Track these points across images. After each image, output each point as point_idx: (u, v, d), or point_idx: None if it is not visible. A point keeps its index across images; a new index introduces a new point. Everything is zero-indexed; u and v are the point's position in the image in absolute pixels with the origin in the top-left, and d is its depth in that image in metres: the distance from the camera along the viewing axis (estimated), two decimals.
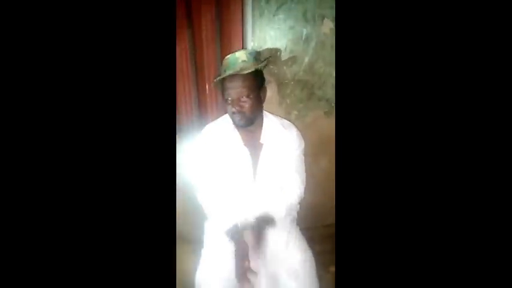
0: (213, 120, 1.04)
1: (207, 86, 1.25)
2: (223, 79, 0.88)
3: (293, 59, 1.18)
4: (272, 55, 1.10)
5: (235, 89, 0.86)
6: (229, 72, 0.85)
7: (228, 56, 0.92)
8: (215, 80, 0.90)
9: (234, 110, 0.87)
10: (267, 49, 1.14)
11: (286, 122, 1.03)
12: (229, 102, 0.88)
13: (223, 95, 0.91)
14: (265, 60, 0.95)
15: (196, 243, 1.03)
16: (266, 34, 1.13)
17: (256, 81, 0.89)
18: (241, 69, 0.85)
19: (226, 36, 1.18)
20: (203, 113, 1.30)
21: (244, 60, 0.88)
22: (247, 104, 0.87)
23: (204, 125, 1.03)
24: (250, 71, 0.85)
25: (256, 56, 0.92)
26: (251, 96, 0.87)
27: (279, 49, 1.16)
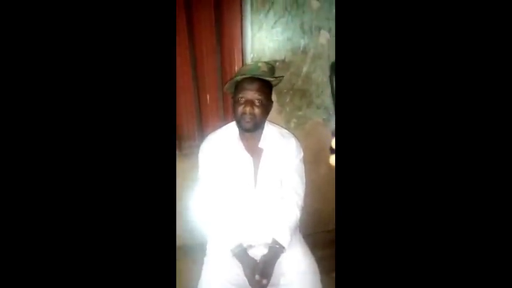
0: (213, 129, 1.06)
1: (207, 97, 1.28)
2: (239, 81, 0.93)
3: (291, 69, 1.22)
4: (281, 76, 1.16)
5: (253, 91, 0.90)
6: (251, 74, 0.92)
7: (249, 63, 1.02)
8: (234, 79, 0.95)
9: (246, 109, 0.90)
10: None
11: (285, 131, 1.06)
12: (242, 102, 0.91)
13: (235, 96, 0.95)
14: (280, 77, 1.00)
15: (197, 251, 1.05)
16: (265, 46, 1.16)
17: (269, 92, 0.96)
18: (263, 76, 0.93)
19: (226, 49, 1.21)
20: (204, 122, 1.32)
21: (265, 71, 0.95)
22: (258, 108, 0.91)
23: (205, 135, 1.06)
24: (269, 79, 0.94)
25: (273, 70, 1.00)
26: (263, 103, 0.93)
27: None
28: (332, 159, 0.37)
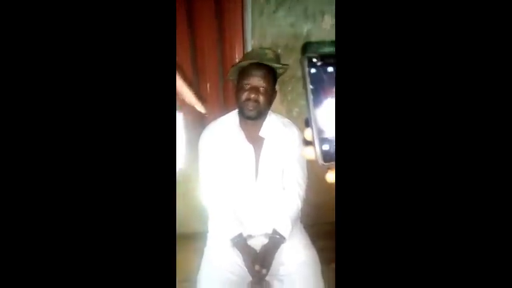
0: (213, 119, 1.04)
1: (207, 85, 1.26)
2: (244, 67, 0.90)
3: (294, 56, 1.18)
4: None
5: (258, 77, 0.88)
6: (258, 60, 0.89)
7: (255, 49, 0.99)
8: (238, 64, 0.92)
9: (251, 96, 0.88)
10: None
11: (287, 121, 1.04)
12: (247, 88, 0.89)
13: (238, 83, 0.92)
14: (286, 65, 0.97)
15: (198, 240, 1.04)
16: (266, 32, 1.12)
17: (274, 80, 0.93)
18: (270, 62, 0.90)
19: (227, 36, 1.17)
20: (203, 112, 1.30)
21: (272, 58, 0.92)
22: (263, 96, 0.89)
23: (204, 124, 1.04)
24: (276, 65, 0.91)
25: (279, 58, 0.97)
26: (268, 91, 0.90)
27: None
28: (306, 151, 0.35)
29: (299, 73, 1.08)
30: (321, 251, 0.98)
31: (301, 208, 1.00)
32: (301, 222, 1.06)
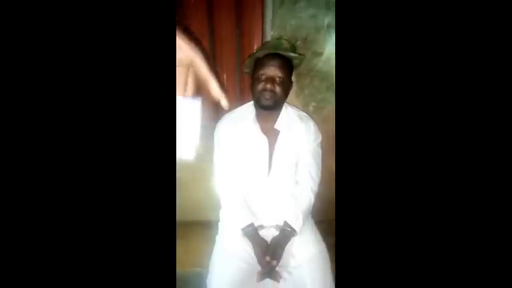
0: (229, 110, 1.04)
1: (224, 76, 1.25)
2: (260, 59, 0.90)
3: (313, 49, 1.15)
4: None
5: (274, 67, 0.87)
6: (274, 50, 0.89)
7: (271, 39, 0.99)
8: (254, 55, 0.92)
9: (267, 86, 0.87)
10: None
11: (303, 114, 1.02)
12: (263, 79, 0.88)
13: (254, 74, 0.91)
14: (302, 55, 0.96)
15: (213, 228, 1.06)
16: (286, 23, 1.10)
17: (290, 70, 0.92)
18: (285, 52, 0.89)
19: (246, 26, 1.16)
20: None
21: (287, 48, 0.92)
22: (279, 86, 0.88)
23: (221, 114, 1.04)
24: (292, 55, 0.90)
25: (294, 48, 0.96)
26: (284, 81, 0.90)
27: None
28: None
29: (317, 67, 1.06)
30: (331, 247, 0.98)
31: (314, 203, 1.00)
32: (312, 217, 1.05)
